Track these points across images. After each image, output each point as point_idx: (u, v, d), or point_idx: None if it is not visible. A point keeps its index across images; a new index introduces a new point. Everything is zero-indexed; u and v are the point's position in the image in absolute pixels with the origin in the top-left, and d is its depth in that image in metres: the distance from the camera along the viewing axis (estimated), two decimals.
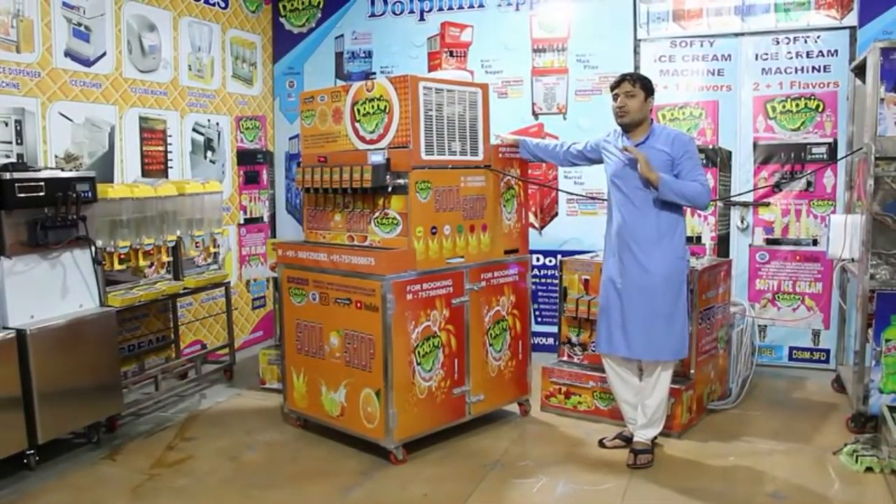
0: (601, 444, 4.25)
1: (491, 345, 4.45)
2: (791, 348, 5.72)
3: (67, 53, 4.96)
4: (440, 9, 6.42)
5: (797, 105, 5.53)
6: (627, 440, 4.15)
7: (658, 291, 3.90)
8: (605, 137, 4.17)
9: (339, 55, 6.81)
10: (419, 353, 4.04)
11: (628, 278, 3.97)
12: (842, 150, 5.39)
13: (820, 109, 5.48)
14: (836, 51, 5.43)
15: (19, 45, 4.65)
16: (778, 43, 5.56)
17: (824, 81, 5.46)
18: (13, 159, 4.52)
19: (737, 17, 5.63)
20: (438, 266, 4.14)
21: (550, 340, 6.09)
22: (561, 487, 3.75)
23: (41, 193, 3.92)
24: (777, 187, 5.62)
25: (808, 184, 5.54)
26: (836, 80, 5.44)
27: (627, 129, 4.00)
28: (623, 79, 3.95)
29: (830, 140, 5.47)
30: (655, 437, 4.08)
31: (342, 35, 6.77)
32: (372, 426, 4.04)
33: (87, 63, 5.11)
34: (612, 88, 3.99)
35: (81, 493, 3.76)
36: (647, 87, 3.94)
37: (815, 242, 5.56)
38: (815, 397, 5.06)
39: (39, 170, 4.10)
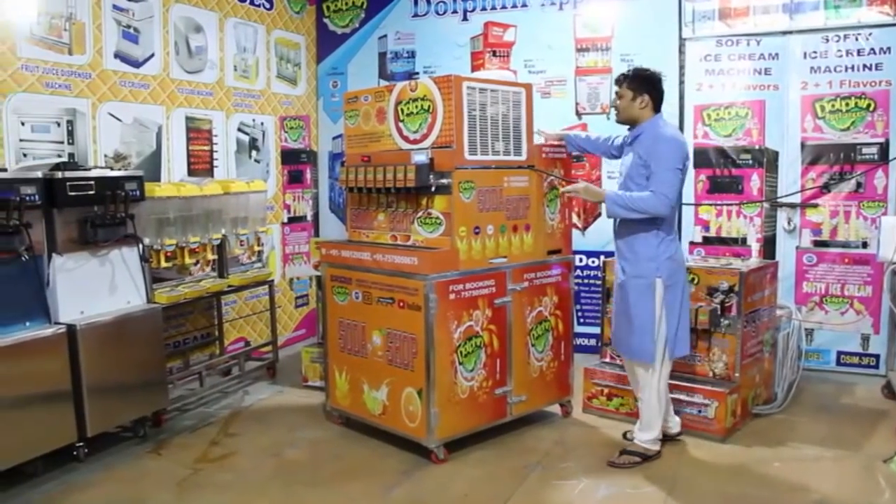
0: (624, 436, 4.29)
1: (533, 345, 4.44)
2: (839, 353, 5.61)
3: (117, 55, 5.06)
4: (483, 9, 6.42)
5: (847, 104, 5.42)
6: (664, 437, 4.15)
7: (625, 290, 3.97)
8: (624, 137, 4.21)
9: (382, 55, 6.84)
10: (461, 352, 4.04)
11: (616, 279, 4.09)
12: (894, 151, 5.27)
13: (871, 109, 5.36)
14: (888, 48, 5.30)
15: (71, 48, 4.75)
16: (827, 41, 5.46)
17: (876, 80, 5.34)
18: (65, 159, 4.62)
19: (784, 15, 5.54)
20: (481, 266, 4.13)
21: (593, 341, 6.05)
22: (602, 490, 3.73)
23: (91, 192, 4.00)
24: (825, 188, 5.52)
25: (858, 185, 5.43)
26: (888, 78, 5.31)
27: (629, 127, 4.06)
28: (616, 79, 4.02)
29: (882, 140, 5.35)
30: (658, 444, 4.04)
31: (385, 35, 6.80)
32: (413, 425, 4.05)
33: (136, 64, 5.20)
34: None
35: (127, 486, 3.83)
36: (636, 87, 3.90)
37: (864, 245, 5.45)
38: (864, 403, 4.96)
39: (89, 169, 4.20)
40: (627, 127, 4.07)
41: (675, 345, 3.95)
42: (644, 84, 3.91)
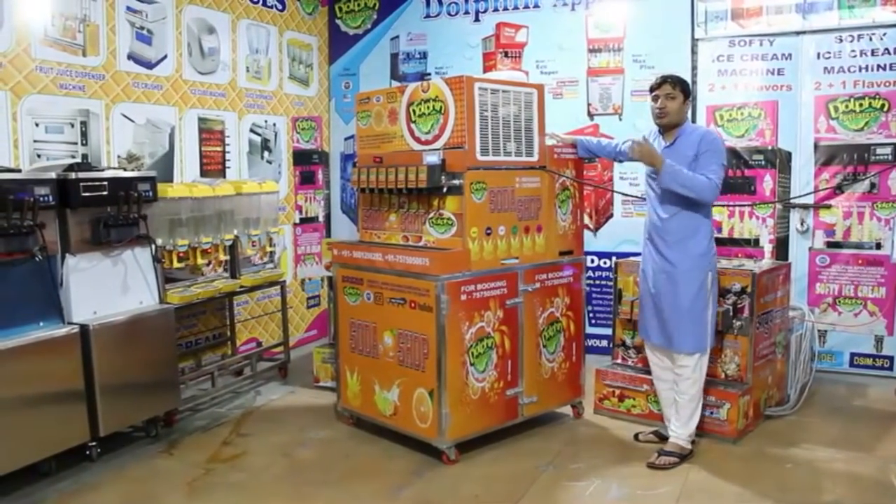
0: (636, 438, 4.31)
1: (544, 346, 4.43)
2: (852, 354, 5.57)
3: (130, 56, 5.08)
4: (495, 9, 6.41)
5: (861, 105, 5.39)
6: (663, 437, 4.19)
7: (679, 284, 3.98)
8: (646, 135, 4.20)
9: (394, 56, 6.85)
10: (473, 353, 4.04)
11: (656, 270, 4.08)
12: None
13: (885, 109, 5.32)
14: None
15: (85, 49, 4.77)
16: (841, 41, 5.42)
17: (890, 80, 5.30)
18: (78, 160, 4.65)
19: (798, 15, 5.51)
20: (493, 267, 4.13)
21: (604, 343, 6.04)
22: (614, 491, 3.72)
23: (104, 193, 4.02)
24: (839, 189, 5.49)
25: (872, 185, 5.40)
26: None
27: (664, 129, 4.07)
28: (664, 80, 4.01)
29: None
30: (692, 443, 4.06)
31: (397, 36, 6.81)
32: (424, 426, 4.05)
33: (149, 66, 5.23)
34: (652, 90, 4.05)
35: (139, 485, 3.84)
36: (686, 91, 4.03)
37: (878, 246, 5.41)
38: (877, 405, 4.93)
39: (103, 170, 4.22)
40: (659, 130, 4.10)
41: (713, 333, 4.10)
42: (687, 89, 4.04)
